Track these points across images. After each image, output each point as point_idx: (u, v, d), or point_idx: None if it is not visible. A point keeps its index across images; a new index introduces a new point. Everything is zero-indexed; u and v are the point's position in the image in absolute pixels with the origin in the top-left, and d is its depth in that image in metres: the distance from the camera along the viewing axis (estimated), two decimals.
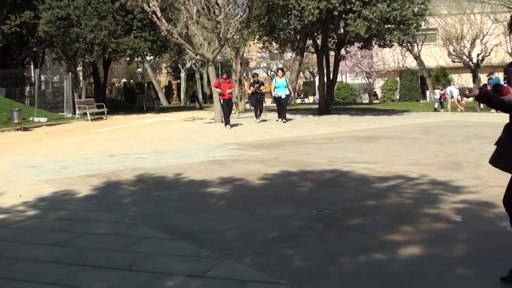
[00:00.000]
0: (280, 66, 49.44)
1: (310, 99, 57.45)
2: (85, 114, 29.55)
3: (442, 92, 31.91)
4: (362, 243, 5.68)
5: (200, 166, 11.29)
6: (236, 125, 22.39)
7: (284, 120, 23.27)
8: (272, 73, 75.02)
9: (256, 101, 24.71)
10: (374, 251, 5.39)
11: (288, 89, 23.80)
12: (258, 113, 24.19)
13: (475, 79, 45.97)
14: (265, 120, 24.48)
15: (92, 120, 28.68)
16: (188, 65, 56.51)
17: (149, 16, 25.34)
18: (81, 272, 5.06)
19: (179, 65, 60.05)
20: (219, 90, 21.94)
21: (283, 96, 23.58)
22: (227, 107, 22.13)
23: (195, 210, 7.43)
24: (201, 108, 42.44)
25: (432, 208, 7.05)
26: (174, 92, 68.57)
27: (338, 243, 5.76)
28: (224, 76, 22.68)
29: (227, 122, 21.67)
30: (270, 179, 9.54)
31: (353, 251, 5.43)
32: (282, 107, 24.04)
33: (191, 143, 16.10)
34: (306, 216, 6.85)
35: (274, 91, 23.82)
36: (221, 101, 22.09)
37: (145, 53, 37.01)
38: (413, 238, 5.77)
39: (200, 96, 54.93)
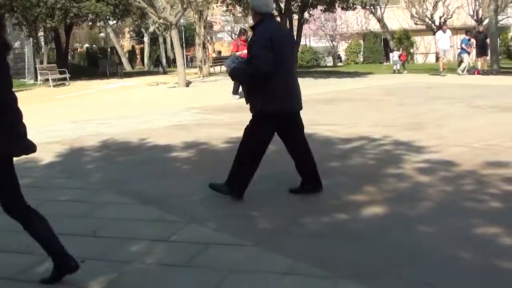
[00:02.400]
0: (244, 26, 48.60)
1: None
2: (47, 80, 29.06)
3: (401, 54, 32.12)
4: (326, 204, 5.76)
5: (164, 131, 11.26)
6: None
7: None
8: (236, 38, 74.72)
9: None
10: (338, 211, 5.48)
11: None
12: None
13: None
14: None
15: (54, 86, 28.24)
16: (151, 29, 55.80)
17: None
18: None
19: (142, 30, 59.26)
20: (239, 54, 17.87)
21: None
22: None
23: (160, 175, 7.43)
24: (164, 72, 42.05)
25: (395, 168, 7.17)
26: (138, 56, 67.78)
27: (302, 205, 5.82)
28: (243, 38, 18.04)
29: (236, 91, 17.76)
30: (235, 142, 9.47)
31: (317, 212, 5.50)
32: None
33: (155, 107, 16.00)
34: (270, 179, 6.89)
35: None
36: None
37: (107, 17, 36.40)
38: (376, 198, 5.86)
39: (164, 61, 54.35)
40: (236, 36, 59.13)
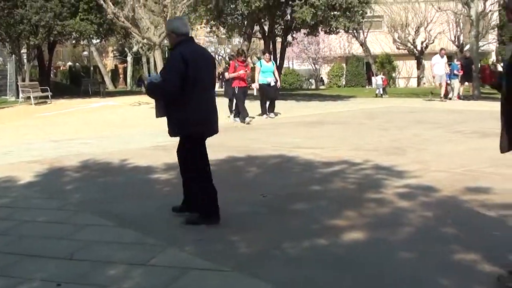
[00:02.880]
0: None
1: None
2: (28, 98, 28.89)
3: (384, 78, 32.42)
4: (306, 228, 5.73)
5: (145, 152, 11.21)
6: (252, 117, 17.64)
7: (272, 115, 18.32)
8: (220, 57, 74.86)
9: (242, 93, 17.33)
10: (318, 236, 5.45)
11: (275, 76, 18.29)
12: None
13: (419, 65, 46.73)
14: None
15: (35, 104, 28.08)
16: (134, 49, 55.75)
17: None
18: (22, 262, 4.96)
19: (125, 49, 59.24)
20: (235, 75, 16.89)
21: (272, 83, 18.10)
22: (245, 97, 17.11)
23: (140, 197, 7.37)
24: None
25: (375, 193, 7.15)
26: (121, 76, 67.66)
27: (282, 228, 5.79)
28: (241, 58, 17.47)
29: (245, 114, 16.63)
30: (216, 164, 9.46)
31: (297, 236, 5.47)
32: (271, 98, 18.41)
33: (136, 128, 15.94)
34: (251, 202, 6.86)
35: (259, 77, 18.04)
36: (237, 90, 16.79)
37: (91, 36, 36.31)
38: (357, 223, 5.84)
39: None
40: (227, 57, 58.77)
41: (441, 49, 26.12)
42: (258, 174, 8.79)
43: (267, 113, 18.17)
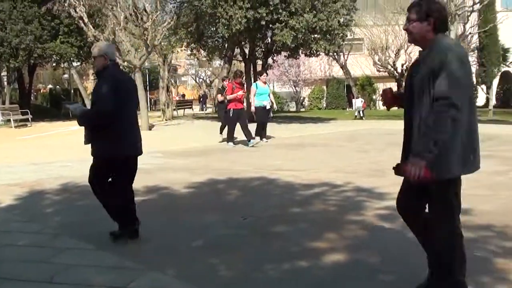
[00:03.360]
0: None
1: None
2: (9, 121, 28.75)
3: (364, 102, 32.75)
4: (287, 251, 5.73)
5: None
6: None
7: (266, 139, 17.67)
8: (201, 80, 74.93)
9: (236, 116, 16.44)
10: (298, 258, 5.44)
11: (271, 99, 17.80)
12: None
13: (399, 88, 47.03)
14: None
15: (16, 127, 27.93)
16: None
17: (76, 22, 24.94)
18: (2, 286, 4.91)
19: None
20: (233, 96, 16.13)
21: (268, 107, 17.48)
22: (239, 120, 16.28)
23: None
24: None
25: (356, 214, 7.17)
26: None
27: (263, 251, 5.78)
28: (239, 80, 16.90)
29: (231, 138, 16.44)
30: (197, 187, 9.51)
31: (278, 259, 5.46)
32: (264, 123, 17.81)
33: None
34: (231, 224, 6.86)
35: (254, 99, 17.29)
36: (231, 112, 16.14)
37: (71, 59, 36.26)
38: (337, 245, 5.84)
39: None
40: (201, 80, 58.46)
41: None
42: (239, 196, 8.79)
43: (265, 137, 17.69)
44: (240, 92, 16.28)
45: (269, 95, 17.67)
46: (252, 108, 17.43)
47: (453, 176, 4.20)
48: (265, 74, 18.63)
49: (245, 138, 16.21)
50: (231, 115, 16.17)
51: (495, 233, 6.12)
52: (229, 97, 16.29)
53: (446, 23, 4.25)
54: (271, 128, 23.73)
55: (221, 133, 17.74)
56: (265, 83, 17.95)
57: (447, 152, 4.04)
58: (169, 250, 5.90)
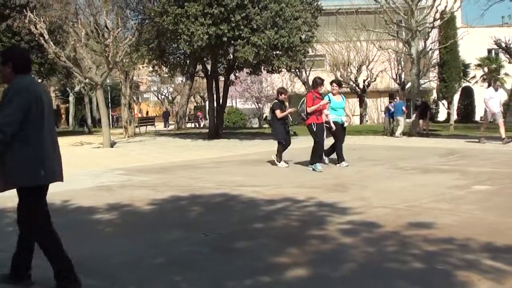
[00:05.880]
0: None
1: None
2: None
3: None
4: (249, 266, 5.68)
5: (87, 192, 11.00)
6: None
7: (346, 163, 14.38)
8: (163, 97, 74.65)
9: (284, 131, 15.03)
10: (261, 274, 5.41)
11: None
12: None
13: (362, 103, 47.54)
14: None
15: None
16: (77, 88, 55.22)
17: (37, 38, 24.66)
18: None
19: (67, 89, 58.64)
20: (315, 108, 13.63)
21: (346, 124, 15.06)
22: (323, 135, 14.02)
23: (82, 238, 7.20)
24: (90, 132, 41.59)
25: (318, 229, 7.17)
26: (63, 116, 66.90)
27: (225, 267, 5.73)
28: (319, 89, 14.11)
29: (318, 157, 13.87)
30: (159, 204, 9.42)
31: (240, 275, 5.42)
32: (341, 141, 14.80)
33: (79, 168, 15.67)
34: (194, 241, 6.80)
35: (328, 114, 14.36)
36: (314, 127, 13.73)
37: (32, 76, 35.91)
38: (300, 260, 5.82)
39: (89, 120, 53.85)
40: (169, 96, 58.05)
41: (495, 80, 23.56)
42: (201, 213, 8.73)
43: (343, 159, 14.47)
44: (323, 102, 13.82)
45: (344, 109, 14.89)
46: (332, 124, 14.31)
47: (24, 185, 5.05)
48: (335, 85, 15.05)
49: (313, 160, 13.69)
50: (314, 129, 13.65)
51: (457, 246, 6.15)
52: (310, 109, 13.57)
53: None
54: (234, 144, 23.77)
55: (278, 155, 14.83)
56: (338, 93, 14.79)
57: (15, 164, 4.93)
58: (131, 267, 5.81)
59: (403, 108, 27.07)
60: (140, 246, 6.65)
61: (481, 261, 5.58)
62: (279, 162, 14.56)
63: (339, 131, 14.60)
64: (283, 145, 14.91)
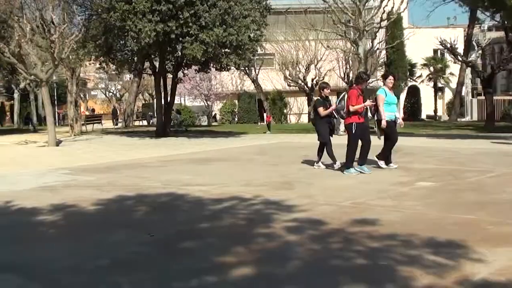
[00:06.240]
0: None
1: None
2: None
3: (268, 115, 33.29)
4: (195, 266, 5.66)
5: (30, 193, 10.80)
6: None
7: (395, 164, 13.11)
8: (111, 94, 73.84)
9: (329, 131, 13.63)
10: (207, 273, 5.39)
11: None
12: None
13: (310, 102, 47.83)
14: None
15: None
16: (22, 85, 54.09)
17: None
18: None
19: (12, 86, 57.46)
20: (359, 107, 12.35)
21: (400, 121, 13.87)
22: (363, 136, 12.53)
23: (24, 240, 7.08)
24: (35, 130, 40.88)
25: (264, 228, 7.19)
26: (7, 113, 65.64)
27: (170, 267, 5.69)
28: (361, 86, 12.72)
29: (363, 160, 12.53)
30: (104, 204, 9.31)
31: (186, 275, 5.39)
32: (394, 141, 13.14)
33: (22, 168, 15.41)
34: (139, 241, 6.74)
35: (382, 111, 12.80)
36: (355, 127, 12.39)
37: None
38: (246, 259, 5.82)
39: (35, 118, 52.88)
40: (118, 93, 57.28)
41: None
42: (147, 213, 8.66)
43: (391, 161, 13.15)
44: (368, 102, 12.65)
45: (397, 105, 13.61)
46: (384, 123, 12.73)
47: None
48: (391, 77, 13.42)
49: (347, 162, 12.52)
50: (354, 130, 12.38)
51: (400, 242, 6.25)
52: (353, 108, 12.31)
53: None
54: (182, 142, 23.67)
55: (319, 155, 13.63)
56: (391, 88, 13.31)
57: None
58: (75, 270, 5.72)
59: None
60: (84, 248, 6.57)
61: (423, 256, 5.68)
62: (317, 163, 13.42)
63: (394, 130, 13.20)
64: (329, 145, 13.42)
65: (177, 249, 6.36)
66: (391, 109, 12.99)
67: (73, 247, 6.58)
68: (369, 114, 13.19)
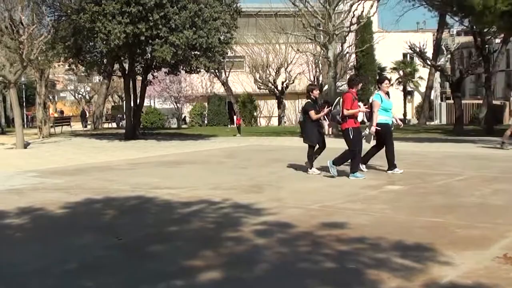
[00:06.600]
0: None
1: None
2: None
3: (237, 118, 33.32)
4: (162, 270, 5.63)
5: None
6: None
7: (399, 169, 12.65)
8: (80, 96, 73.30)
9: (318, 134, 13.06)
10: (174, 277, 5.37)
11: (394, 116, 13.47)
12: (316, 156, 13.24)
13: (280, 105, 47.98)
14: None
15: None
16: None
17: None
18: None
19: None
20: (354, 111, 12.16)
21: (397, 123, 13.80)
22: (360, 140, 12.43)
23: None
24: (3, 132, 40.34)
25: (233, 231, 7.18)
26: None
27: (138, 271, 5.66)
28: (355, 89, 12.48)
29: (357, 165, 12.33)
30: (72, 207, 9.23)
31: (153, 279, 5.36)
32: (392, 145, 12.85)
33: None
34: (107, 245, 6.69)
35: (376, 118, 12.56)
36: (351, 133, 12.06)
37: None
38: (214, 262, 5.81)
39: (3, 120, 52.22)
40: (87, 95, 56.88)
41: None
42: (115, 216, 8.60)
43: (391, 168, 12.69)
44: (363, 108, 12.51)
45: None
46: (372, 129, 12.50)
47: None
48: (387, 81, 13.27)
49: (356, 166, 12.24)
50: (351, 136, 12.03)
51: (368, 245, 6.28)
52: (348, 112, 12.04)
53: None
54: (151, 145, 23.55)
55: (309, 159, 13.04)
56: (387, 94, 13.14)
57: None
58: (42, 274, 5.66)
59: None
60: (51, 252, 6.50)
61: (391, 259, 5.72)
62: (310, 169, 12.91)
63: (391, 134, 12.90)
64: (315, 148, 13.14)
65: (145, 253, 6.32)
66: (388, 114, 12.83)
67: (40, 251, 6.51)
68: (364, 119, 13.15)
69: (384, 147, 12.73)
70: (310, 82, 13.62)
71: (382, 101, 12.63)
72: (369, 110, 12.60)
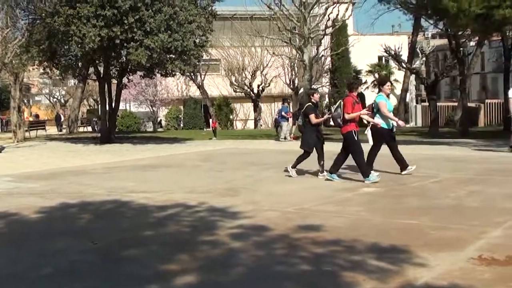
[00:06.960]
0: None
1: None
2: None
3: (213, 121, 33.36)
4: (138, 274, 5.62)
5: None
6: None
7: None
8: (55, 100, 72.68)
9: (317, 140, 12.84)
10: (150, 282, 5.36)
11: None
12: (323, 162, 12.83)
13: (256, 108, 48.00)
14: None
15: None
16: None
17: None
18: None
19: None
20: (355, 115, 12.02)
21: (400, 122, 13.12)
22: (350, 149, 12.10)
23: None
24: None
25: (209, 235, 7.18)
26: None
27: (113, 275, 5.64)
28: (354, 92, 12.54)
29: (370, 166, 12.25)
30: (47, 212, 9.16)
31: (129, 283, 5.36)
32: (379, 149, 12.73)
33: None
34: (82, 249, 6.65)
35: (390, 115, 12.73)
36: (355, 134, 11.91)
37: None
38: (189, 266, 5.81)
39: None
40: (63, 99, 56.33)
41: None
42: (91, 220, 8.55)
43: (404, 169, 12.83)
44: (365, 111, 12.52)
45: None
46: (375, 120, 12.51)
47: None
48: (389, 83, 13.47)
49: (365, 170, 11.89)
50: (356, 137, 11.91)
51: (344, 248, 6.32)
52: (349, 116, 11.86)
53: None
54: (127, 148, 23.45)
55: (320, 163, 12.81)
56: (387, 96, 12.99)
57: None
58: (17, 279, 5.62)
59: (283, 113, 27.58)
60: (26, 257, 6.45)
61: (366, 261, 5.76)
62: (293, 169, 12.84)
63: (389, 137, 12.74)
64: (306, 156, 12.89)
65: (120, 257, 6.30)
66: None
67: (15, 256, 6.47)
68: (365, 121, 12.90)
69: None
70: (312, 88, 13.43)
71: (388, 102, 12.57)
72: (370, 113, 12.53)
